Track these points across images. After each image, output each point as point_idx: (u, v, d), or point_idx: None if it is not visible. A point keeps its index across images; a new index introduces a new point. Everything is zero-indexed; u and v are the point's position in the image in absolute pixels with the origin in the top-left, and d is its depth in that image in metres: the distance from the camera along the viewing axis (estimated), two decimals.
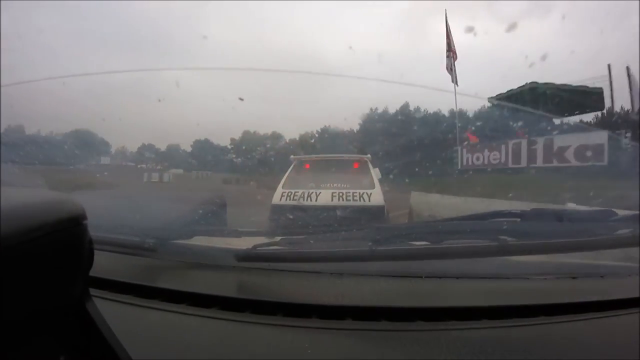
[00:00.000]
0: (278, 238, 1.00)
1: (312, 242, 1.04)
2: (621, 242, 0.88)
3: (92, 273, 0.42)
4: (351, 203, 3.75)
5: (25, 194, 0.38)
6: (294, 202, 3.81)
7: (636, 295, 0.73)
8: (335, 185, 3.97)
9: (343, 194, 3.84)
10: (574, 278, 0.86)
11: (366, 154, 4.59)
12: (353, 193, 3.85)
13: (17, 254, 0.32)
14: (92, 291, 0.43)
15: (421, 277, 0.84)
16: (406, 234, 0.99)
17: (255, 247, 0.89)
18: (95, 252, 0.42)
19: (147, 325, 0.66)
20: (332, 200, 3.78)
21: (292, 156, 4.68)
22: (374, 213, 3.61)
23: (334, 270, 0.85)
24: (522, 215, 1.05)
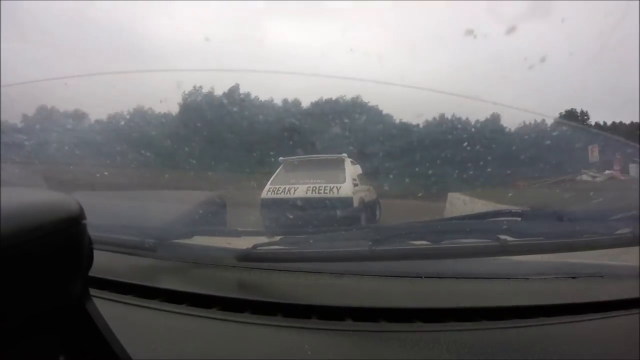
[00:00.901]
0: (278, 238, 1.01)
1: (311, 242, 1.04)
2: (621, 242, 0.88)
3: (91, 273, 0.42)
4: (322, 195, 4.49)
5: (25, 194, 0.38)
6: (277, 196, 4.55)
7: (636, 295, 0.73)
8: (312, 181, 4.69)
9: (316, 188, 4.58)
10: (573, 278, 0.86)
11: (343, 154, 5.21)
12: (325, 187, 4.59)
13: (16, 254, 0.32)
14: (92, 291, 0.43)
15: (421, 277, 0.84)
16: (406, 233, 0.99)
17: (255, 247, 0.89)
18: (95, 251, 0.42)
19: (147, 326, 0.66)
20: (306, 193, 4.53)
21: (280, 158, 5.25)
22: (342, 203, 4.34)
23: (334, 270, 0.85)
24: (522, 214, 1.05)
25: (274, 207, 4.12)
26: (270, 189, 4.69)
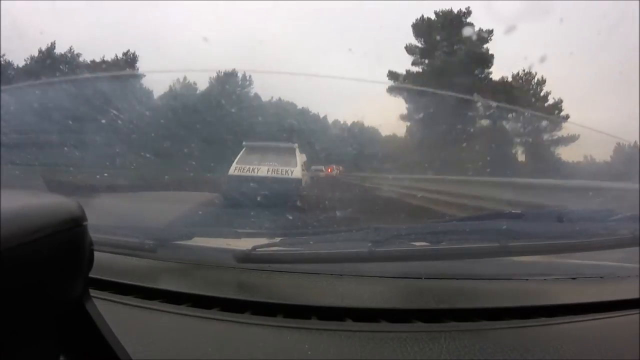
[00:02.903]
0: (277, 239, 1.01)
1: (311, 242, 1.04)
2: (621, 242, 0.88)
3: (92, 274, 0.42)
4: (278, 175, 5.76)
5: (25, 196, 0.38)
6: (242, 174, 5.64)
7: (636, 296, 0.73)
8: (270, 164, 5.92)
9: (274, 169, 5.84)
10: (573, 279, 0.86)
11: (294, 143, 6.65)
12: (281, 169, 5.85)
13: (17, 256, 0.32)
14: (92, 292, 0.43)
15: (421, 278, 0.84)
16: (406, 234, 0.99)
17: (254, 248, 0.89)
18: (95, 252, 0.42)
19: (147, 327, 0.66)
20: (267, 173, 5.73)
21: (243, 142, 6.46)
22: (293, 182, 5.65)
23: (334, 271, 0.85)
24: (522, 215, 1.05)
25: (239, 182, 5.27)
26: (237, 168, 5.80)
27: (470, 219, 1.11)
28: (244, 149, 6.26)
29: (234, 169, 5.74)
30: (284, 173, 5.81)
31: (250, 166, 5.78)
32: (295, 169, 5.95)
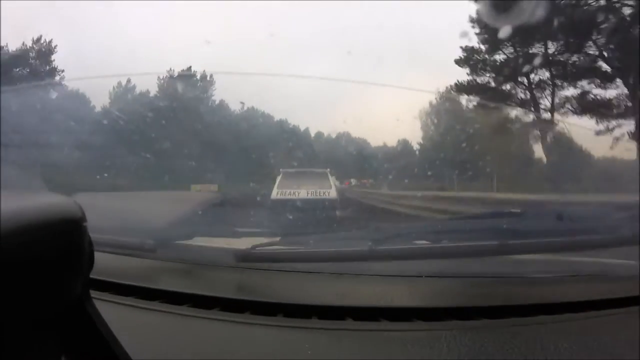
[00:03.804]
0: (277, 238, 1.01)
1: (311, 242, 1.05)
2: (621, 240, 0.88)
3: (92, 275, 0.42)
4: (318, 197, 6.58)
5: (26, 197, 0.38)
6: (285, 197, 6.36)
7: (636, 294, 0.73)
8: (308, 187, 6.76)
9: (313, 192, 6.70)
10: (573, 276, 0.86)
11: (327, 169, 7.68)
12: (318, 191, 6.72)
13: (17, 257, 0.31)
14: (93, 293, 0.43)
15: (421, 276, 0.84)
16: (406, 233, 0.99)
17: (254, 247, 0.89)
18: (96, 253, 0.42)
19: (148, 327, 0.66)
20: (307, 195, 6.55)
21: (280, 169, 7.38)
22: (331, 202, 6.50)
23: (334, 270, 0.86)
24: (522, 214, 1.05)
25: (282, 205, 5.85)
26: (279, 192, 6.59)
27: (470, 217, 1.11)
28: (281, 175, 7.17)
29: (276, 193, 6.56)
30: (322, 195, 6.66)
31: (290, 190, 6.59)
32: (331, 190, 6.90)
